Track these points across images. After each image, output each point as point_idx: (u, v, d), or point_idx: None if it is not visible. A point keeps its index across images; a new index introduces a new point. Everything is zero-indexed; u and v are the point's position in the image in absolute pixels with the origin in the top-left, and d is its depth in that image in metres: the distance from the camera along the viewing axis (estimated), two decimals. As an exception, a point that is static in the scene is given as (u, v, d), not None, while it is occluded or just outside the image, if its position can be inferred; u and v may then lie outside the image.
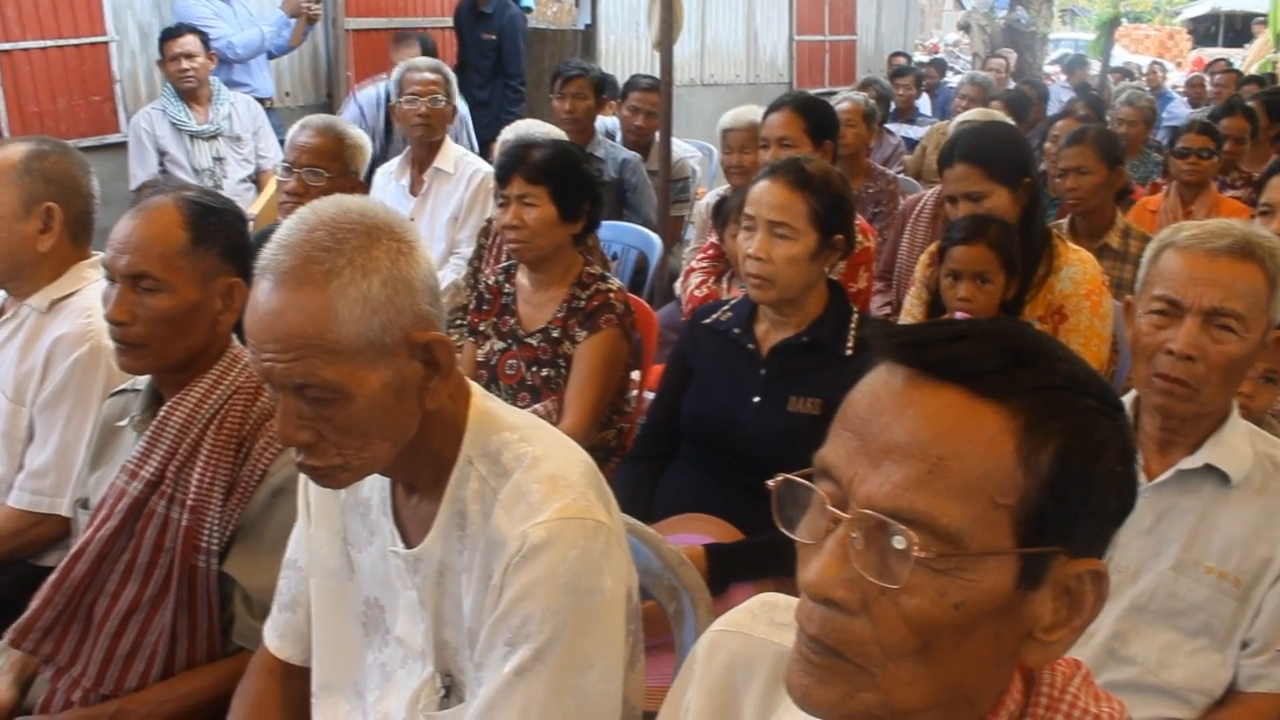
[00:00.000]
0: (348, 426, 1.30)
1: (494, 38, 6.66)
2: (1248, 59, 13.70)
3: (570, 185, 2.72)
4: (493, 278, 2.91)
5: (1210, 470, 1.76)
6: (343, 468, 1.33)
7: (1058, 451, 0.85)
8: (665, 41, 4.33)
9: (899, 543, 0.84)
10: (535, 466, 1.39)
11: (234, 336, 1.88)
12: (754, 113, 3.87)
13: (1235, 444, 1.77)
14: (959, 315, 2.63)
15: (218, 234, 1.84)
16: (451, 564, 1.41)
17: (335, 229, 1.29)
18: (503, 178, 2.74)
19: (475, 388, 1.46)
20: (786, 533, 0.94)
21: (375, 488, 1.49)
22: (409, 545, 1.43)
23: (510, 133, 3.66)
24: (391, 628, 1.49)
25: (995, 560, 0.85)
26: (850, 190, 2.45)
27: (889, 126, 6.53)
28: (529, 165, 2.70)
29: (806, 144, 3.35)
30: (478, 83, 6.61)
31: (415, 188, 4.09)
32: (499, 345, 2.80)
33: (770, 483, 0.94)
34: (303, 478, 1.57)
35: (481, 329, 2.85)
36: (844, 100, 4.80)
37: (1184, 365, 1.71)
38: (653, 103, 4.95)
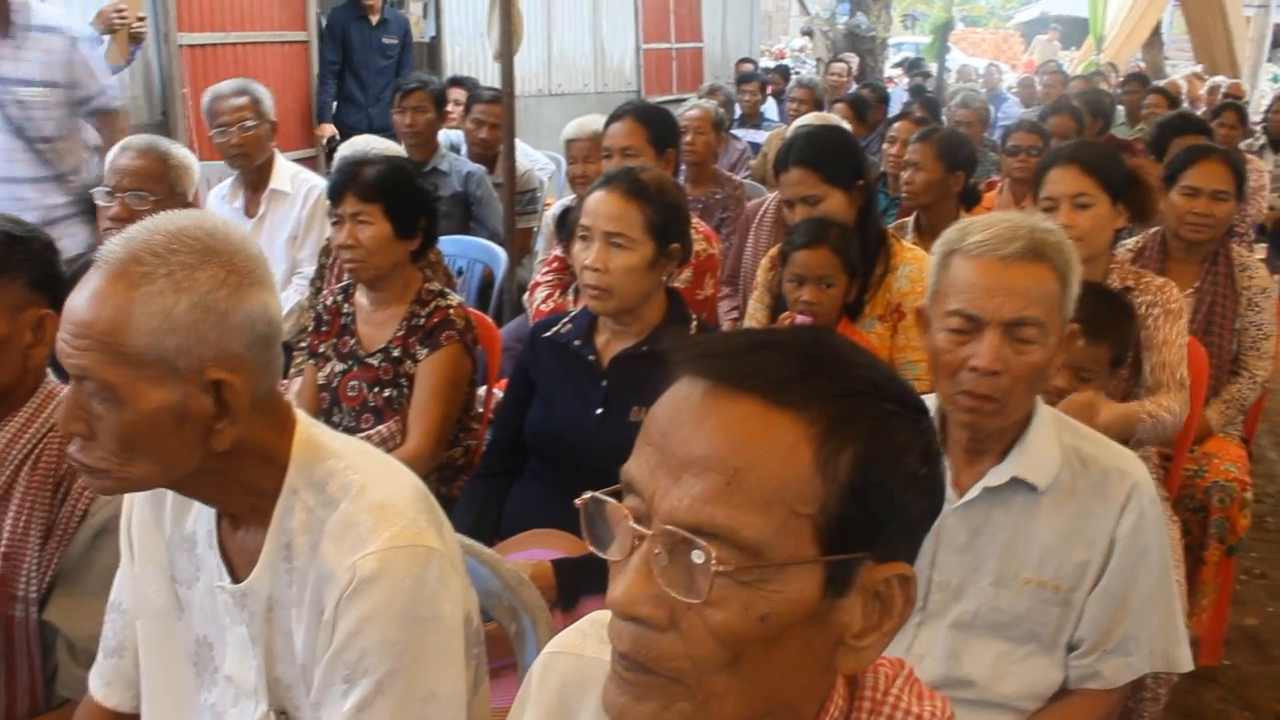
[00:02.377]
0: (117, 433, 1.26)
1: (396, 42, 6.96)
2: (1074, 60, 14.32)
3: (404, 202, 2.67)
4: (331, 298, 2.84)
5: (1019, 481, 1.73)
6: (105, 474, 1.29)
7: (857, 457, 0.85)
8: (506, 53, 4.31)
9: (699, 557, 0.83)
10: (363, 495, 1.36)
11: (49, 371, 1.80)
12: (597, 122, 3.86)
13: (1041, 449, 1.74)
14: (801, 318, 2.67)
15: (23, 263, 1.74)
16: (280, 598, 1.36)
17: (173, 238, 1.27)
18: (335, 196, 2.67)
19: (302, 416, 1.42)
20: (597, 552, 0.93)
21: (201, 521, 1.43)
22: (236, 580, 1.38)
23: (348, 149, 3.59)
24: (221, 666, 1.44)
25: (800, 570, 0.84)
26: (685, 198, 2.46)
27: (735, 132, 6.62)
28: (361, 183, 2.64)
29: (649, 153, 3.36)
30: (380, 86, 6.77)
31: (251, 209, 3.95)
32: (340, 367, 2.74)
33: (577, 501, 0.93)
34: (125, 516, 1.51)
35: (321, 351, 2.78)
36: (693, 108, 4.84)
37: (989, 381, 1.67)
38: (497, 114, 4.91)
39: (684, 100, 5.62)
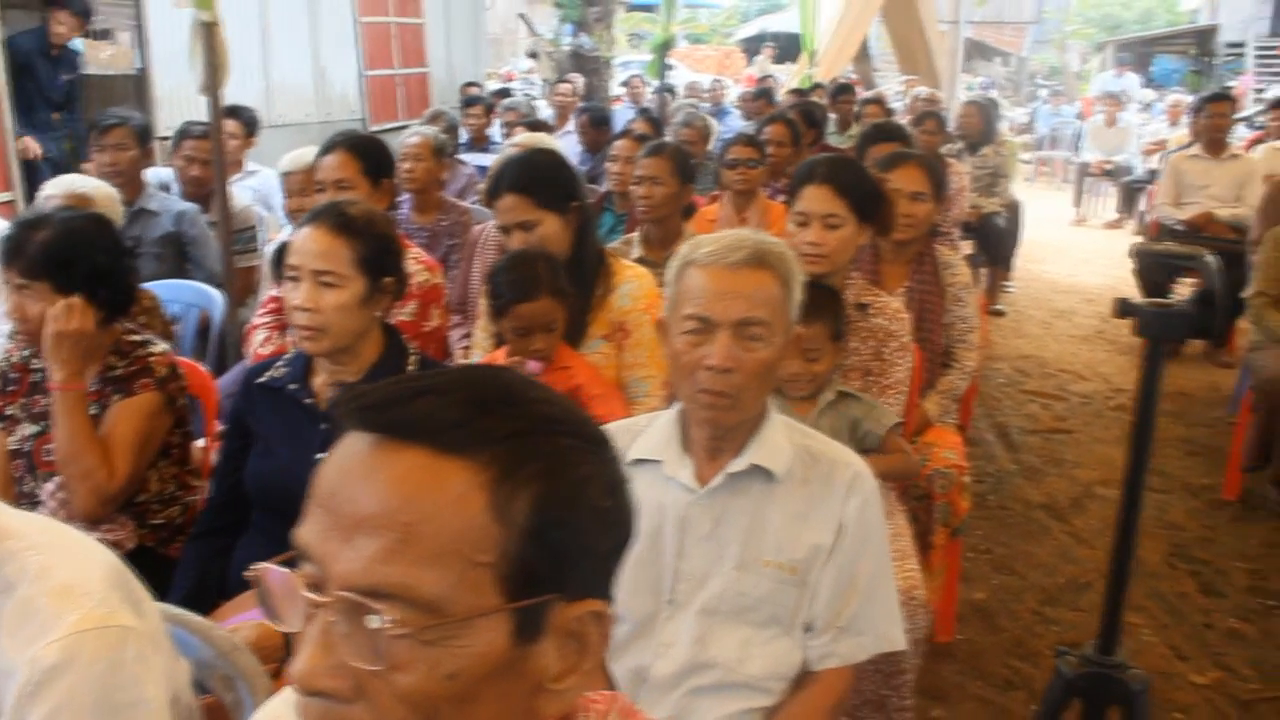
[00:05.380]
0: None
1: (72, 79, 6.62)
2: (792, 74, 14.98)
3: (77, 275, 2.40)
4: (17, 354, 2.62)
5: (757, 470, 1.85)
6: None
7: (535, 497, 0.83)
8: (211, 85, 4.11)
9: (374, 622, 0.79)
10: (45, 577, 1.25)
11: None
12: (313, 154, 3.73)
13: (775, 441, 1.88)
14: (532, 364, 2.63)
15: None
16: (-43, 700, 1.23)
17: None
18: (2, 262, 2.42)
19: None
20: (274, 626, 0.87)
21: None
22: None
23: (53, 188, 3.36)
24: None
25: (485, 621, 0.81)
26: (395, 230, 2.40)
27: (463, 157, 6.56)
28: (26, 256, 2.38)
29: (364, 184, 3.26)
30: (63, 122, 6.42)
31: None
32: (32, 429, 2.52)
33: (247, 573, 0.88)
34: None
35: (10, 413, 2.56)
36: (413, 135, 4.74)
37: (723, 378, 1.79)
38: (209, 150, 4.69)
39: (411, 126, 5.51)
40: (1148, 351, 1.61)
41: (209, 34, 3.98)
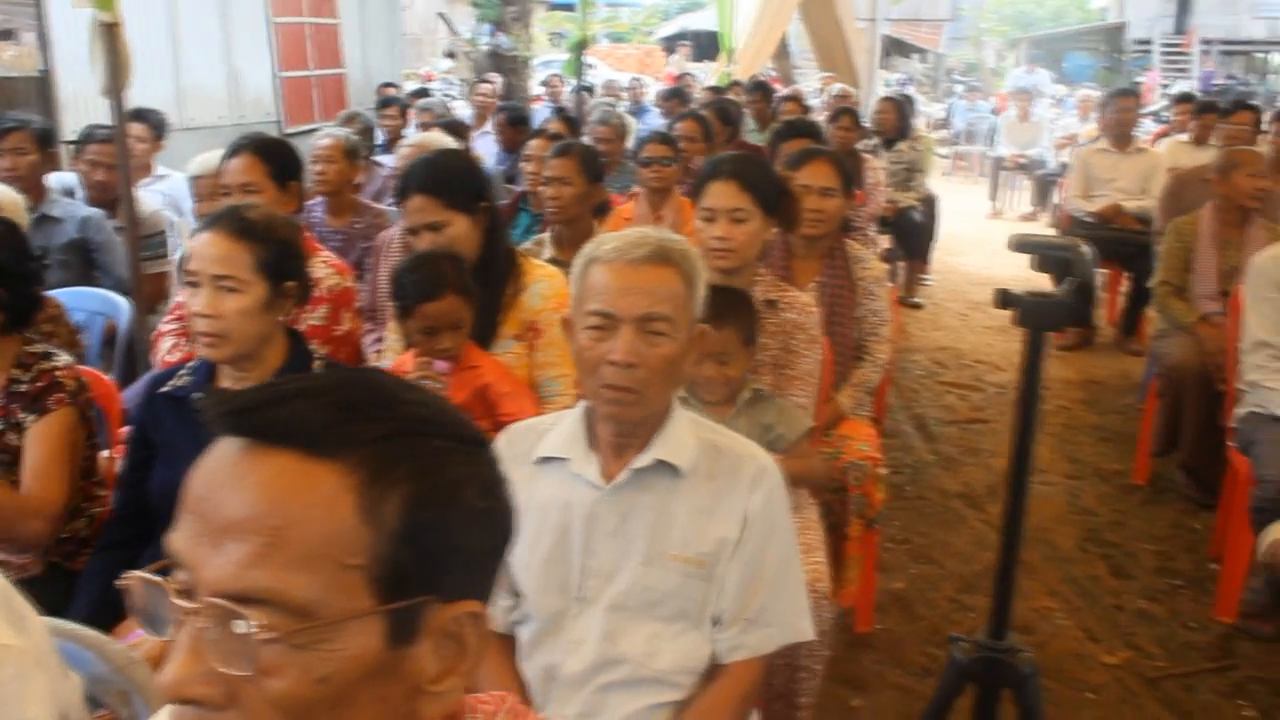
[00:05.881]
0: None
1: None
2: (710, 72, 15.05)
3: None
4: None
5: (662, 465, 1.86)
6: None
7: (406, 499, 0.82)
8: (114, 87, 4.01)
9: (243, 627, 0.78)
10: None
11: None
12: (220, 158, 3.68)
13: (680, 437, 1.89)
14: (439, 364, 2.62)
15: None
16: None
17: None
18: None
19: None
20: (151, 635, 0.86)
21: None
22: None
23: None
24: None
25: (357, 624, 0.81)
26: (298, 233, 2.37)
27: (380, 159, 6.50)
28: None
29: (271, 188, 3.22)
30: None
31: None
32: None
33: (119, 581, 0.86)
34: None
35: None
36: (324, 137, 4.69)
37: (627, 373, 1.80)
38: (113, 154, 4.59)
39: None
40: (1028, 340, 1.64)
41: (110, 35, 3.89)
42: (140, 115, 5.52)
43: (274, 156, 3.28)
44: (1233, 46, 27.44)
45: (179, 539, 0.84)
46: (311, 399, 0.84)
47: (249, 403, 0.84)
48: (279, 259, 2.21)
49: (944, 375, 6.65)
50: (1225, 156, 5.01)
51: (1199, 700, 3.33)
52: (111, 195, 4.62)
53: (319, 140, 4.61)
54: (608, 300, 1.82)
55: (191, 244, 2.24)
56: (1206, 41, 26.31)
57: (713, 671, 1.90)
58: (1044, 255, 1.57)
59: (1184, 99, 10.22)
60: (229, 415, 0.84)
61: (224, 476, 0.83)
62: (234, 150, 3.28)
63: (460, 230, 2.78)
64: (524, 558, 1.90)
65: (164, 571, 0.85)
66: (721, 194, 2.87)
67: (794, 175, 3.54)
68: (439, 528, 0.84)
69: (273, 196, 3.17)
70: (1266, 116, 8.70)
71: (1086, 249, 1.57)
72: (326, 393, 0.85)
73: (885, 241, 8.15)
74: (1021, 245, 1.60)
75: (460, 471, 0.86)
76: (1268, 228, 4.90)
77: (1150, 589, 4.02)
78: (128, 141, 4.06)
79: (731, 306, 2.55)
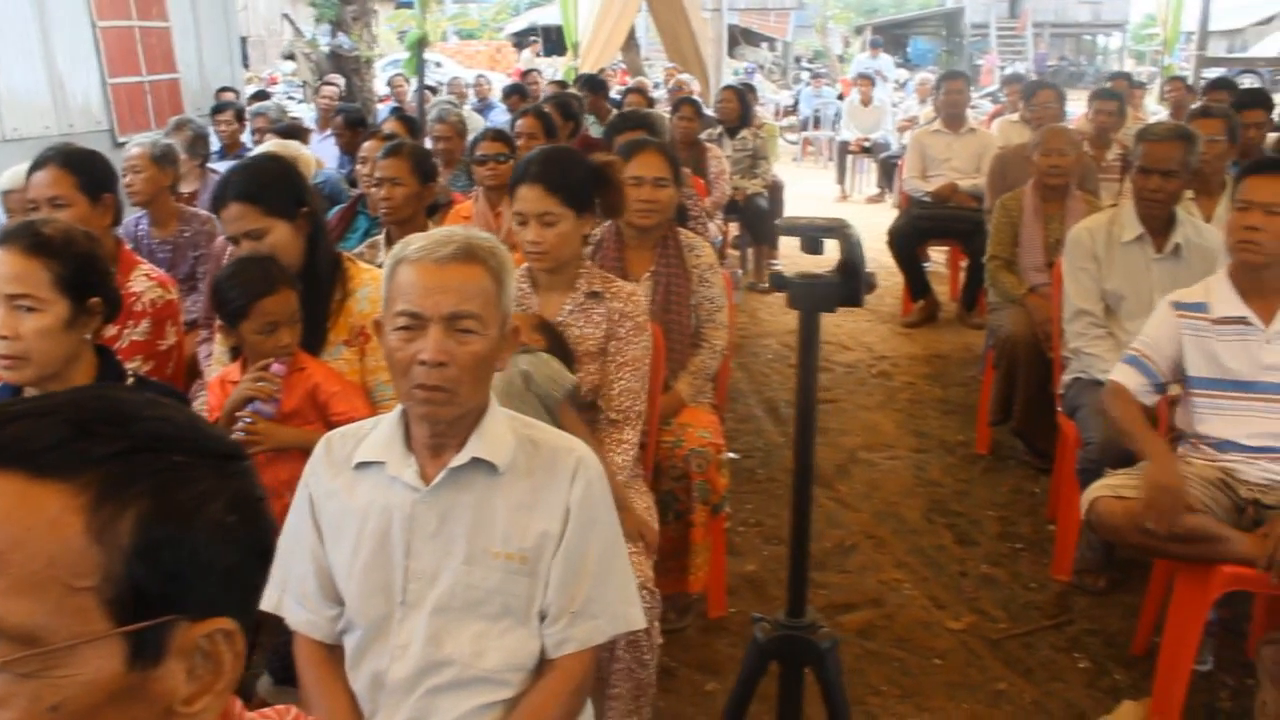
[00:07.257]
0: None
1: None
2: (558, 67, 15.06)
3: None
4: None
5: (479, 463, 1.86)
6: None
7: (140, 518, 0.81)
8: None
9: None
10: None
11: None
12: (33, 170, 3.52)
13: (497, 434, 1.89)
14: (277, 366, 2.57)
15: None
16: None
17: None
18: None
19: None
20: None
21: None
22: None
23: None
24: None
25: (90, 648, 0.79)
26: (100, 247, 2.28)
27: (215, 166, 6.31)
28: None
29: (82, 201, 3.10)
30: None
31: None
32: None
33: None
34: None
35: None
36: (133, 146, 4.49)
37: (438, 372, 1.79)
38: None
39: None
40: (802, 321, 1.68)
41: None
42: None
43: (83, 168, 3.15)
44: (1062, 30, 28.61)
45: None
46: (38, 419, 0.82)
47: None
48: (79, 275, 2.14)
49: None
50: (1036, 135, 5.24)
51: (1038, 656, 3.46)
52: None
53: (127, 150, 4.43)
54: (415, 300, 1.81)
55: (-16, 263, 2.15)
56: (1038, 25, 27.38)
57: (542, 667, 1.90)
58: (808, 237, 1.61)
59: (1013, 79, 10.61)
60: None
61: None
62: (40, 162, 3.14)
63: (281, 237, 2.72)
64: (346, 564, 1.88)
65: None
66: (529, 198, 2.89)
67: (625, 166, 3.55)
68: (180, 545, 0.83)
69: (84, 210, 3.05)
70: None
71: (853, 230, 1.61)
72: (57, 411, 0.83)
73: (734, 229, 8.27)
74: (789, 229, 1.63)
75: (203, 487, 0.85)
76: (1086, 200, 5.12)
77: (993, 554, 4.17)
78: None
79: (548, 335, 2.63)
